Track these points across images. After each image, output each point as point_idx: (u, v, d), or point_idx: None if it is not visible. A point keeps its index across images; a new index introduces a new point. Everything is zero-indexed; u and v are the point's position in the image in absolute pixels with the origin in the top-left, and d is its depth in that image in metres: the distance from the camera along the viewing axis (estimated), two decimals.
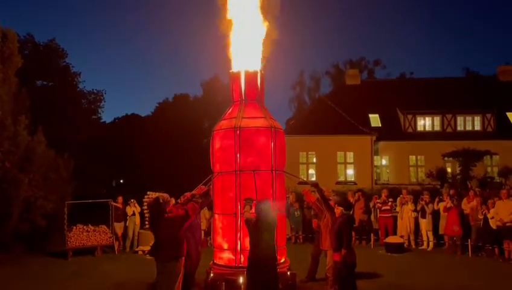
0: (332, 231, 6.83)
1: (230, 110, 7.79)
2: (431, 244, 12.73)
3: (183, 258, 5.99)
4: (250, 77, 7.71)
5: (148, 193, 6.16)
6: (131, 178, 28.54)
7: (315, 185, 7.53)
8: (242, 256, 7.01)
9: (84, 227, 12.05)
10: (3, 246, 11.43)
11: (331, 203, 7.47)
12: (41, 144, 12.08)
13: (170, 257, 5.84)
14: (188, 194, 6.91)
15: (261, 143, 7.33)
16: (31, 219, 11.80)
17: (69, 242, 11.71)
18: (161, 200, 5.92)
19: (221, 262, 7.34)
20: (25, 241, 12.24)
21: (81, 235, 11.90)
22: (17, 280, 9.26)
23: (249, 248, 5.98)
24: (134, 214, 12.74)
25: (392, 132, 25.39)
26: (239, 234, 7.06)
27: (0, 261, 10.94)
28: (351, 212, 12.77)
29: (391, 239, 12.45)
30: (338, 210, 6.88)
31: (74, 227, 11.95)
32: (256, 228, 5.85)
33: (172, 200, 7.03)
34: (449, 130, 25.57)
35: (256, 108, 7.64)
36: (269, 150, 7.34)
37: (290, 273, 7.34)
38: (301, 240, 13.86)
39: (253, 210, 6.10)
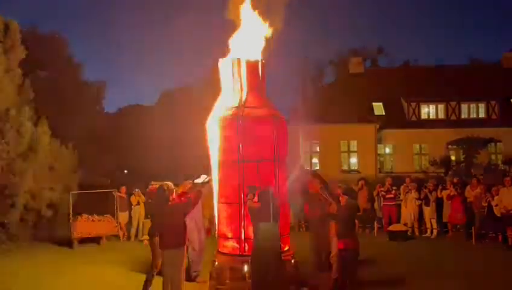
0: (336, 219, 6.86)
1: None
2: (435, 232, 12.75)
3: (186, 246, 6.06)
4: (252, 66, 7.58)
5: (152, 182, 6.24)
6: (136, 168, 28.62)
7: (317, 175, 7.50)
8: (246, 244, 7.04)
9: (89, 217, 12.15)
10: (9, 235, 11.54)
11: (338, 191, 7.49)
12: (46, 134, 12.13)
13: (172, 245, 5.89)
14: (187, 183, 6.92)
15: (263, 133, 7.25)
16: (36, 208, 11.90)
17: (74, 232, 11.82)
18: (165, 188, 5.99)
19: (225, 251, 7.36)
20: (31, 231, 12.35)
21: (86, 225, 12.01)
22: (24, 269, 9.37)
23: (252, 237, 6.01)
24: (138, 203, 12.83)
25: (396, 120, 25.34)
26: (243, 223, 7.05)
27: (6, 251, 11.06)
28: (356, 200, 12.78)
29: (395, 227, 12.49)
30: (343, 199, 6.89)
31: (79, 217, 12.05)
32: (260, 216, 5.85)
33: (178, 189, 7.05)
34: (453, 117, 25.49)
35: (257, 97, 7.59)
36: (271, 140, 7.24)
37: (294, 261, 7.37)
38: (304, 228, 13.91)
39: (256, 198, 6.11)
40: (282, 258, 6.13)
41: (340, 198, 6.96)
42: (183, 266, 6.08)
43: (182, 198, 6.15)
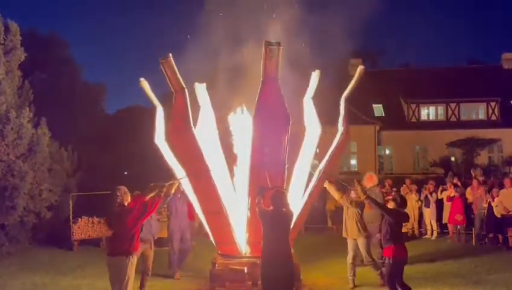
0: (382, 225, 6.71)
1: None
2: (435, 233, 12.74)
3: (134, 256, 5.62)
4: (271, 52, 6.47)
5: (151, 184, 6.02)
6: (136, 170, 28.55)
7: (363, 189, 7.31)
8: (247, 246, 7.00)
9: (89, 219, 12.14)
10: (9, 237, 11.53)
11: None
12: (45, 136, 12.11)
13: (117, 251, 5.53)
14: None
15: (277, 134, 6.71)
16: (36, 210, 11.89)
17: (74, 234, 11.81)
18: (118, 193, 5.67)
19: (225, 253, 7.33)
20: (30, 232, 12.33)
21: (86, 227, 12.02)
22: (24, 271, 9.35)
23: (259, 241, 5.68)
24: None
25: (395, 121, 25.35)
26: (245, 224, 6.95)
27: (6, 253, 11.05)
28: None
29: None
30: (391, 204, 6.67)
31: (79, 219, 12.04)
32: (272, 221, 5.56)
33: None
34: (453, 119, 25.50)
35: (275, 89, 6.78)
36: (284, 142, 6.74)
37: (294, 264, 7.33)
38: (303, 230, 13.88)
39: (267, 202, 5.72)
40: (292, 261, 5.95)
41: (388, 204, 6.74)
42: (128, 279, 5.49)
43: (137, 203, 5.64)
